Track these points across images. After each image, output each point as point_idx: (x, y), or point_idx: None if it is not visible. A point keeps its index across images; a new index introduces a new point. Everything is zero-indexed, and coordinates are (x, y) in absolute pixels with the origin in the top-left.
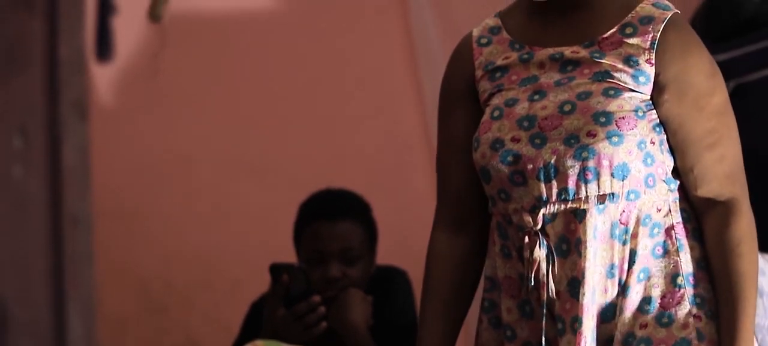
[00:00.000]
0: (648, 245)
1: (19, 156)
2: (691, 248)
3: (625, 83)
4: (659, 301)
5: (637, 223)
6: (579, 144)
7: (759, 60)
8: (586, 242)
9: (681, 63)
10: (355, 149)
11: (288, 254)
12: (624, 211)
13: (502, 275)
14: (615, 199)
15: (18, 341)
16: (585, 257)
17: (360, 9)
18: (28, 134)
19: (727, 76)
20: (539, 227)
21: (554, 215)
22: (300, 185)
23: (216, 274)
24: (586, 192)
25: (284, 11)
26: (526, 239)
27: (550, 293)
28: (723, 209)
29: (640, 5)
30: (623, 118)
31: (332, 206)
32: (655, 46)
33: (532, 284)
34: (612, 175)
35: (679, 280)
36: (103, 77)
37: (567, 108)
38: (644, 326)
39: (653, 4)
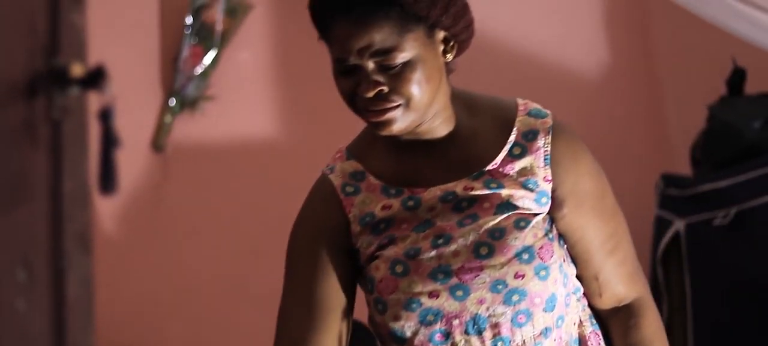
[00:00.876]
0: None
1: (23, 289)
2: None
3: (530, 209)
4: None
5: None
6: (507, 289)
7: (760, 187)
8: None
9: (574, 173)
10: None
11: None
12: (556, 339)
13: None
14: (549, 332)
15: None
16: None
17: None
18: (31, 267)
19: (729, 202)
20: None
21: None
22: None
23: None
24: (523, 336)
25: (286, 141)
26: None
27: None
28: (631, 309)
29: (517, 119)
30: (542, 247)
31: None
32: (549, 161)
33: None
34: (544, 310)
35: None
36: (106, 208)
37: (483, 251)
38: None
39: (529, 114)
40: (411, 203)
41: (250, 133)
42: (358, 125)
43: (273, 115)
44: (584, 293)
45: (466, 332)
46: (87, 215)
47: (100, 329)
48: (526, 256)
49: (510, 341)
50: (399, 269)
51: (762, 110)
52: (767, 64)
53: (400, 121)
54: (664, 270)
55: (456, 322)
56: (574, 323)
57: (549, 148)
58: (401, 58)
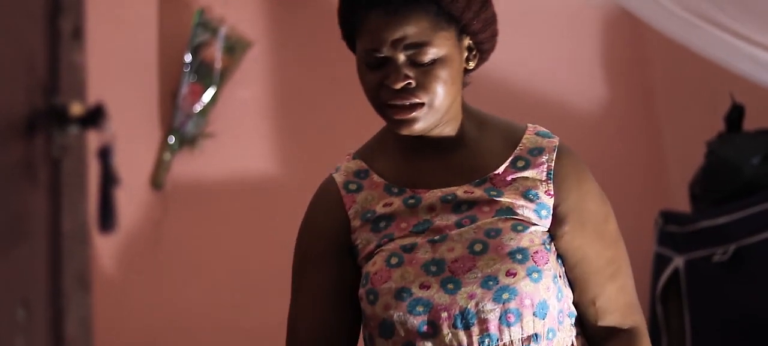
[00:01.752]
0: None
1: (22, 328)
2: None
3: (529, 218)
4: None
5: None
6: (498, 285)
7: (759, 223)
8: None
9: (577, 192)
10: None
11: None
12: None
13: None
14: (538, 340)
15: None
16: None
17: None
18: (30, 306)
19: (728, 239)
20: None
21: None
22: None
23: None
24: (510, 336)
25: (285, 178)
26: None
27: None
28: (626, 338)
29: (525, 137)
30: (537, 252)
31: None
32: (552, 176)
33: None
34: (534, 314)
35: None
36: (105, 247)
37: (478, 248)
38: None
39: (537, 134)
40: (412, 201)
41: (250, 171)
42: None
43: (272, 152)
44: (580, 322)
45: (454, 326)
46: (86, 254)
47: None
48: (519, 256)
49: (497, 339)
50: (394, 260)
51: (761, 146)
52: (766, 100)
53: (422, 122)
54: (664, 307)
55: (445, 315)
56: None
57: (553, 164)
58: (432, 54)
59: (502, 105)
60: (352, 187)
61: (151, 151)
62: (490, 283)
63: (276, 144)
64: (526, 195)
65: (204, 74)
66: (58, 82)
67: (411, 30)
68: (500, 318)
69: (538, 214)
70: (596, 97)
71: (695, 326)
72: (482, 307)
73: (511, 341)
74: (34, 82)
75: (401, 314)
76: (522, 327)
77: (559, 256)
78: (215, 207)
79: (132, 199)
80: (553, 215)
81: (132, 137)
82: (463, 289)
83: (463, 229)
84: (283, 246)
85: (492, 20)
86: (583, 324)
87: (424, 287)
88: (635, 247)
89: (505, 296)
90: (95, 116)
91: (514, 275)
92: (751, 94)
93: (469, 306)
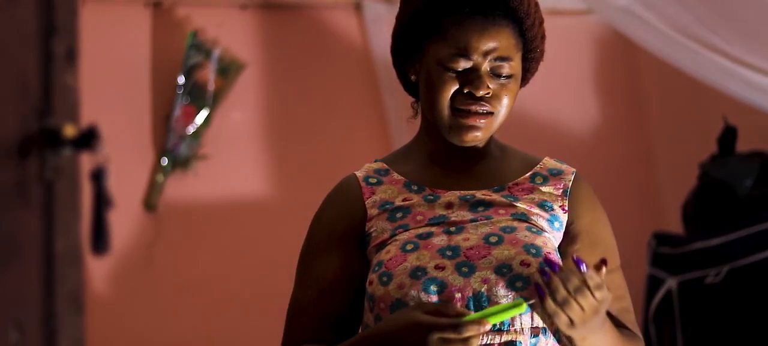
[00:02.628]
0: None
1: None
2: None
3: (542, 226)
4: None
5: None
6: (512, 273)
7: (752, 245)
8: None
9: (591, 215)
10: None
11: None
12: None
13: None
14: (547, 334)
15: None
16: None
17: None
18: (23, 328)
19: (721, 260)
20: None
21: None
22: None
23: None
24: (521, 324)
25: (279, 200)
26: None
27: None
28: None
29: (544, 160)
30: (550, 253)
31: None
32: (568, 195)
33: None
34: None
35: None
36: (98, 269)
37: (493, 239)
38: None
39: (556, 161)
40: (431, 197)
41: (243, 193)
42: None
43: (265, 174)
44: None
45: (467, 308)
46: (79, 276)
47: None
48: (533, 250)
49: (509, 325)
50: (409, 246)
51: (753, 168)
52: (758, 122)
53: (484, 131)
54: (657, 328)
55: (458, 295)
56: None
57: (570, 185)
58: (510, 69)
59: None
60: (373, 181)
61: (144, 173)
62: (504, 270)
63: (269, 166)
64: (541, 205)
65: (197, 96)
66: (51, 104)
67: (502, 43)
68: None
69: (551, 224)
70: (589, 118)
71: None
72: (495, 292)
73: (522, 329)
74: (28, 103)
75: (415, 292)
76: (532, 317)
77: None
78: (208, 229)
79: (125, 220)
80: (565, 232)
81: (125, 159)
82: (477, 273)
83: (476, 223)
84: (275, 267)
85: (541, 58)
86: None
87: (439, 268)
88: (628, 268)
89: (519, 284)
90: (88, 138)
91: (528, 265)
92: (743, 116)
93: (482, 290)
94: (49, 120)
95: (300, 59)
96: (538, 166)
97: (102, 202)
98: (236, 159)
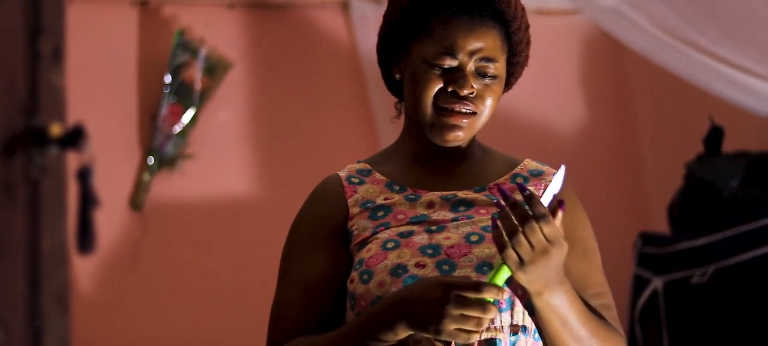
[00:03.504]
0: None
1: None
2: None
3: None
4: None
5: None
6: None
7: (738, 245)
8: None
9: (571, 215)
10: None
11: None
12: (531, 344)
13: None
14: (526, 332)
15: None
16: None
17: None
18: (8, 327)
19: (706, 260)
20: None
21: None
22: None
23: None
24: (501, 321)
25: (266, 199)
26: None
27: None
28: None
29: (525, 161)
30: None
31: None
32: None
33: None
34: (525, 306)
35: None
36: (83, 268)
37: (474, 238)
38: None
39: (537, 162)
40: (412, 196)
41: (229, 192)
42: None
43: (252, 173)
44: None
45: None
46: (65, 275)
47: None
48: None
49: (490, 323)
50: (390, 245)
51: (739, 169)
52: (745, 122)
53: (466, 131)
54: (642, 328)
55: None
56: None
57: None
58: (495, 70)
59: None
60: (355, 180)
61: (130, 172)
62: (485, 268)
63: (256, 165)
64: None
65: (184, 95)
66: (37, 103)
67: (488, 43)
68: (493, 302)
69: None
70: (576, 118)
71: None
72: None
73: (502, 327)
74: (14, 102)
75: (396, 290)
76: (512, 315)
77: None
78: (194, 228)
79: (111, 220)
80: None
81: (111, 158)
82: (457, 271)
83: (457, 222)
84: (262, 266)
85: (525, 63)
86: None
87: (419, 266)
88: (614, 268)
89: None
90: (74, 137)
91: None
92: (730, 117)
93: None
94: (35, 119)
95: (287, 59)
96: (519, 167)
97: (88, 201)
98: (223, 158)
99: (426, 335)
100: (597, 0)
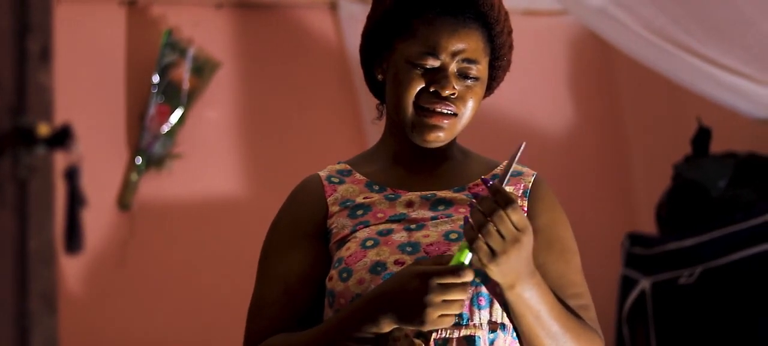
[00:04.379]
0: None
1: None
2: None
3: None
4: None
5: None
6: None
7: (725, 246)
8: None
9: (550, 214)
10: None
11: None
12: (510, 343)
13: None
14: (505, 330)
15: None
16: None
17: None
18: None
19: (694, 261)
20: None
21: (446, 340)
22: None
23: None
24: (480, 318)
25: (253, 199)
26: None
27: None
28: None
29: (504, 163)
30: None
31: None
32: (528, 195)
33: None
34: (503, 304)
35: None
36: (71, 267)
37: (453, 236)
38: None
39: (517, 164)
40: (391, 196)
41: (217, 192)
42: None
43: (240, 173)
44: None
45: None
46: (52, 275)
47: None
48: None
49: (468, 319)
50: (369, 243)
51: (727, 170)
52: (732, 123)
53: (446, 132)
54: (630, 329)
55: None
56: None
57: (530, 186)
58: (476, 72)
59: (468, 128)
60: (335, 180)
61: (118, 172)
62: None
63: (244, 165)
64: None
65: (172, 95)
66: (25, 103)
67: (471, 45)
68: (472, 300)
69: None
70: (564, 118)
71: None
72: None
73: (481, 324)
74: (1, 102)
75: (376, 286)
76: (490, 312)
77: None
78: (182, 228)
79: (99, 219)
80: None
81: (99, 158)
82: None
83: (436, 221)
84: (249, 266)
85: (507, 68)
86: None
87: (398, 263)
88: (602, 269)
89: (477, 279)
90: (62, 137)
91: None
92: (717, 117)
93: None
94: (23, 118)
95: (275, 59)
96: (498, 169)
97: (76, 201)
98: (211, 158)
99: (408, 329)
100: (585, 0)
